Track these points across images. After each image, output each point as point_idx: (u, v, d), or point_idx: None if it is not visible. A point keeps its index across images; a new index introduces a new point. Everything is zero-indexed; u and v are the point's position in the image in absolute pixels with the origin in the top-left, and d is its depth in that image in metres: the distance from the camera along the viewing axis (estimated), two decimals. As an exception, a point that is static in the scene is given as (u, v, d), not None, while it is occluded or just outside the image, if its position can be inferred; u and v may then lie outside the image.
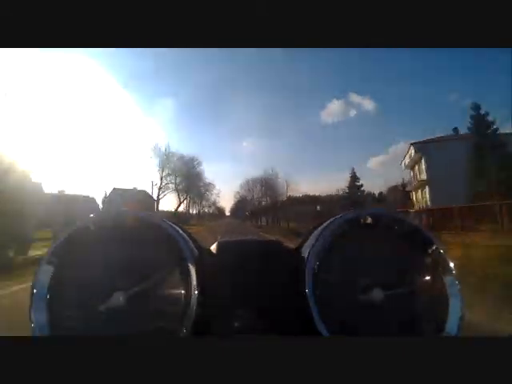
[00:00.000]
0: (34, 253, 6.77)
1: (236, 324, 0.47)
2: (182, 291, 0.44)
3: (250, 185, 33.33)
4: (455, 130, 21.63)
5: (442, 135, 21.45)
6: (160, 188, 28.30)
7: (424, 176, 20.21)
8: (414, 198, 23.17)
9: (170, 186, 29.75)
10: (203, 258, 0.50)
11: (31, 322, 0.42)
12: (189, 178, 30.93)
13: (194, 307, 0.42)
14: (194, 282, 0.43)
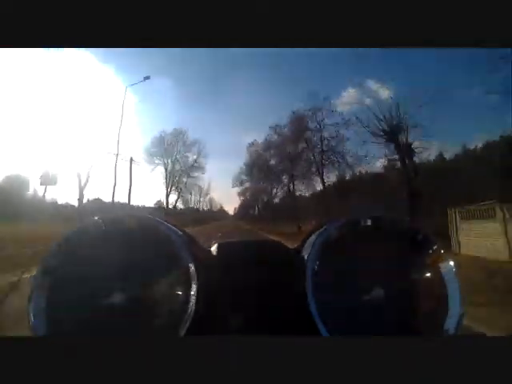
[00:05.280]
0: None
1: (236, 325, 0.47)
2: (182, 292, 0.44)
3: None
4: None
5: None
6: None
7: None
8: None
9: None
10: (203, 260, 0.50)
11: (31, 323, 0.42)
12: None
13: (194, 308, 0.42)
14: (194, 283, 0.43)
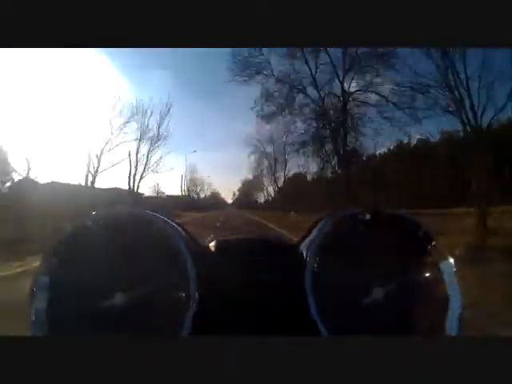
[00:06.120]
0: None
1: (236, 324, 0.47)
2: (181, 290, 0.44)
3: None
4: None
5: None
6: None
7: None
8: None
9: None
10: (201, 256, 0.50)
11: (31, 322, 0.42)
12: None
13: (193, 306, 0.42)
14: (193, 281, 0.43)
